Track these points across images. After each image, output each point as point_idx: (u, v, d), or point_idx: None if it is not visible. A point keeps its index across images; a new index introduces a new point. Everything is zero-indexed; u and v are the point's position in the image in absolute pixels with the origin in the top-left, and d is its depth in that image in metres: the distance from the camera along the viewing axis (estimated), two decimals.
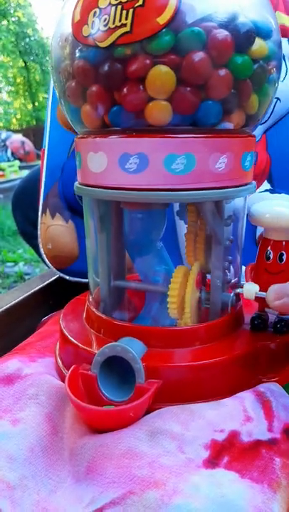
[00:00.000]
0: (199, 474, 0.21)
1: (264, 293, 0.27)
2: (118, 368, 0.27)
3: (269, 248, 0.29)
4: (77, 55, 0.25)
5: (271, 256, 0.28)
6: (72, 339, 0.30)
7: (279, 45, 0.27)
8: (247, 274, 0.30)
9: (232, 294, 0.30)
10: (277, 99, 0.40)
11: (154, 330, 0.28)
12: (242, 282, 0.30)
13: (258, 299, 0.28)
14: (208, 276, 0.30)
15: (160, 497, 0.20)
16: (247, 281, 0.30)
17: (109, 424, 0.24)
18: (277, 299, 0.25)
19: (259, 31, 0.25)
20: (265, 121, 0.41)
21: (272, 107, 0.40)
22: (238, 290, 0.29)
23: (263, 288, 0.28)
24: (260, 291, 0.28)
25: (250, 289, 0.28)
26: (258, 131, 0.41)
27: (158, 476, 0.21)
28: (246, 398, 0.26)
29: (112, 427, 0.24)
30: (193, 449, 0.23)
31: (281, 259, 0.28)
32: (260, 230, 0.42)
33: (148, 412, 0.25)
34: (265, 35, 0.25)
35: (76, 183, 0.29)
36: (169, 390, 0.26)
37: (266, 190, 0.42)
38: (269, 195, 0.42)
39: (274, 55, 0.26)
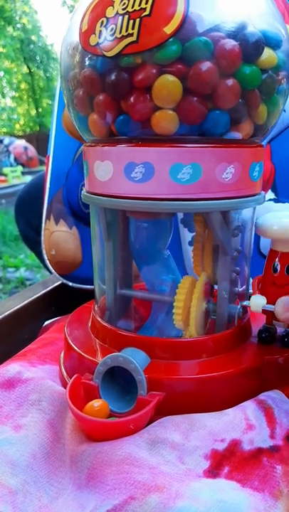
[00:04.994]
0: (200, 482, 0.21)
1: (272, 306, 0.26)
2: (121, 379, 0.27)
3: (276, 260, 0.28)
4: (85, 63, 0.25)
5: (278, 268, 0.27)
6: (76, 348, 0.29)
7: None
8: (254, 286, 0.30)
9: (239, 306, 0.29)
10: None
11: (159, 341, 0.28)
12: (249, 292, 0.30)
13: (265, 311, 0.28)
14: (216, 287, 0.30)
15: (162, 501, 0.20)
16: (254, 293, 0.29)
17: (109, 436, 0.24)
18: (287, 311, 0.25)
19: (268, 41, 0.24)
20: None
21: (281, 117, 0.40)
22: (245, 303, 0.28)
23: (271, 300, 0.27)
24: (267, 303, 0.27)
25: (257, 302, 0.27)
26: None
27: (159, 481, 0.21)
28: (248, 407, 0.26)
29: (112, 439, 0.23)
30: (193, 459, 0.23)
31: None
32: (264, 241, 0.42)
33: (150, 423, 0.25)
34: (275, 44, 0.25)
35: (83, 191, 0.29)
36: (172, 403, 0.25)
37: (270, 200, 0.42)
38: (273, 205, 0.42)
39: (284, 65, 0.26)
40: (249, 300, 0.28)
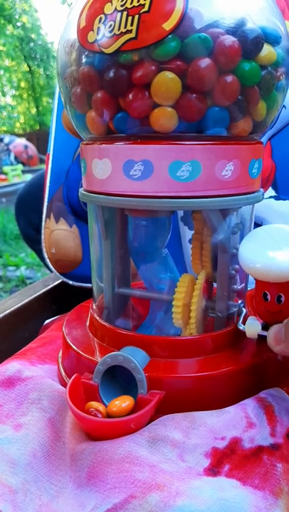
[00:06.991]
0: (201, 480, 0.21)
1: (266, 332, 0.26)
2: (120, 378, 0.26)
3: (265, 289, 0.26)
4: (83, 61, 0.25)
5: (269, 297, 0.25)
6: (74, 347, 0.29)
7: (288, 51, 0.26)
8: (248, 302, 0.29)
9: (238, 304, 0.29)
10: (283, 106, 0.40)
11: (158, 339, 0.28)
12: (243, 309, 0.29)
13: (262, 305, 0.27)
14: (215, 284, 0.30)
15: (163, 499, 0.20)
16: (248, 307, 0.29)
17: (109, 435, 0.24)
18: (277, 345, 0.25)
19: (267, 37, 0.24)
20: (271, 128, 0.41)
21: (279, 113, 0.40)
22: (241, 327, 0.28)
23: (265, 319, 0.27)
24: (263, 320, 0.27)
25: (252, 329, 0.26)
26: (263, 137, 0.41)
27: (160, 479, 0.21)
28: (248, 405, 0.25)
29: (113, 438, 0.23)
30: (193, 457, 0.23)
31: (280, 301, 0.25)
32: None
33: (150, 422, 0.25)
34: (274, 41, 0.25)
35: (81, 190, 0.29)
36: (172, 401, 0.25)
37: (271, 197, 0.42)
38: (274, 202, 0.42)
39: (283, 62, 0.26)
40: (244, 324, 0.27)
